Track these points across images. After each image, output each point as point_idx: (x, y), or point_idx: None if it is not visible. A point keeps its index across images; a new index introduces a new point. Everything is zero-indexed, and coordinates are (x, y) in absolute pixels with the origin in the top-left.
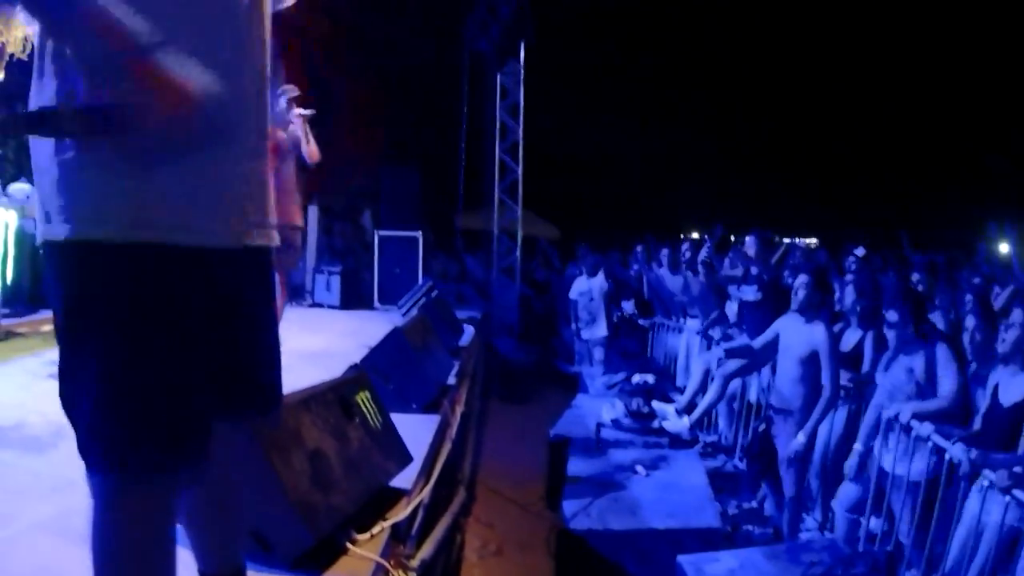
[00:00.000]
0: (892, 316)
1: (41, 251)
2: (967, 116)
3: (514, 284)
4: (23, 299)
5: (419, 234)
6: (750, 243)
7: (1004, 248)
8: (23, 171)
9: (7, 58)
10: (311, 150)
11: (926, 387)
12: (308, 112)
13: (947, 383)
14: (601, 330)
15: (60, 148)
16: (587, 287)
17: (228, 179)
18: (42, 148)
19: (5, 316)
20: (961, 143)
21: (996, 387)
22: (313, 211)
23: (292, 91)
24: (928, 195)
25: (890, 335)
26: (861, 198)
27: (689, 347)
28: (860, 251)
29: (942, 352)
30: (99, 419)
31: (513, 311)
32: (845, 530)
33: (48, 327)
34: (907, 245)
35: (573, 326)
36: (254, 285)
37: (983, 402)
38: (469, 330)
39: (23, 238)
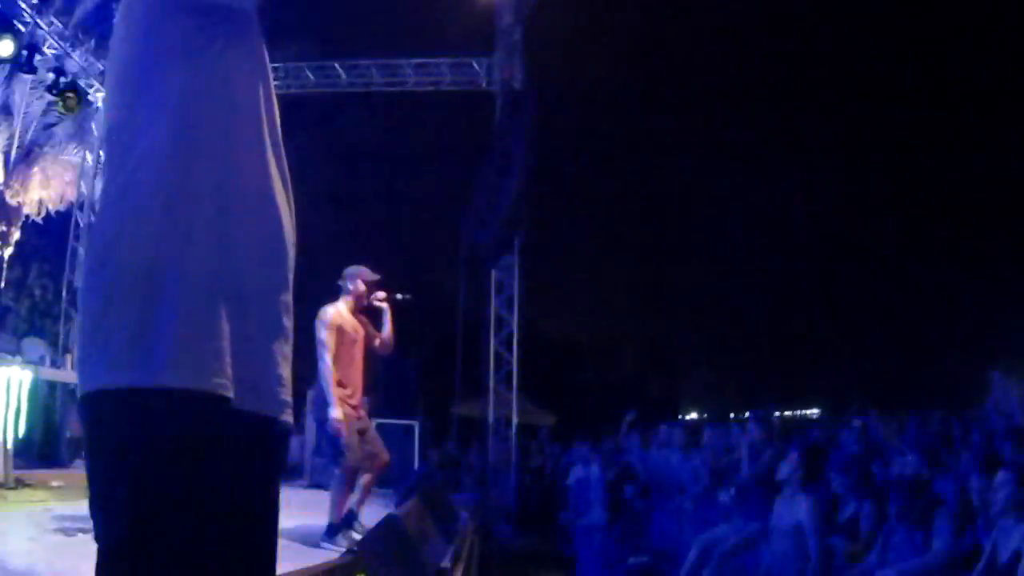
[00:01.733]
0: (900, 486)
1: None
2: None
3: (510, 471)
4: (33, 453)
5: (416, 422)
6: (751, 426)
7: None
8: (33, 328)
9: (23, 218)
10: (387, 338)
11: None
12: (400, 297)
13: (938, 542)
14: (599, 516)
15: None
16: (584, 475)
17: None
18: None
19: (17, 467)
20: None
21: (995, 540)
22: (312, 396)
23: (368, 274)
24: (934, 350)
25: (893, 508)
26: (863, 363)
27: (687, 527)
28: (856, 423)
29: (938, 521)
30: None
31: (510, 497)
32: None
33: (57, 482)
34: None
35: (571, 512)
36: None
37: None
38: (465, 516)
39: (36, 394)
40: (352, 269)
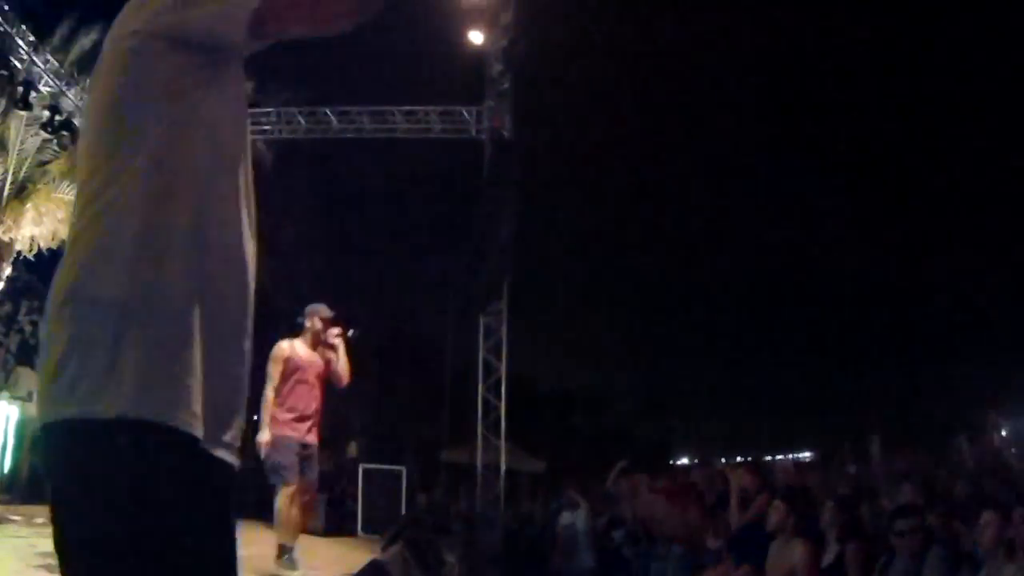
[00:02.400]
0: (900, 525)
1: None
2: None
3: (498, 516)
4: (19, 488)
5: (403, 468)
6: (742, 474)
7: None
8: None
9: (15, 254)
10: (341, 371)
11: None
12: (352, 332)
13: None
14: (586, 562)
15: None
16: (571, 520)
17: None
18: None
19: (2, 503)
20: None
21: None
22: None
23: (325, 312)
24: (928, 392)
25: (897, 543)
26: (856, 406)
27: (676, 572)
28: (851, 469)
29: (934, 554)
30: None
31: (498, 543)
32: None
33: (42, 519)
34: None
35: (559, 558)
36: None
37: None
38: (452, 562)
39: (23, 430)
40: (310, 307)
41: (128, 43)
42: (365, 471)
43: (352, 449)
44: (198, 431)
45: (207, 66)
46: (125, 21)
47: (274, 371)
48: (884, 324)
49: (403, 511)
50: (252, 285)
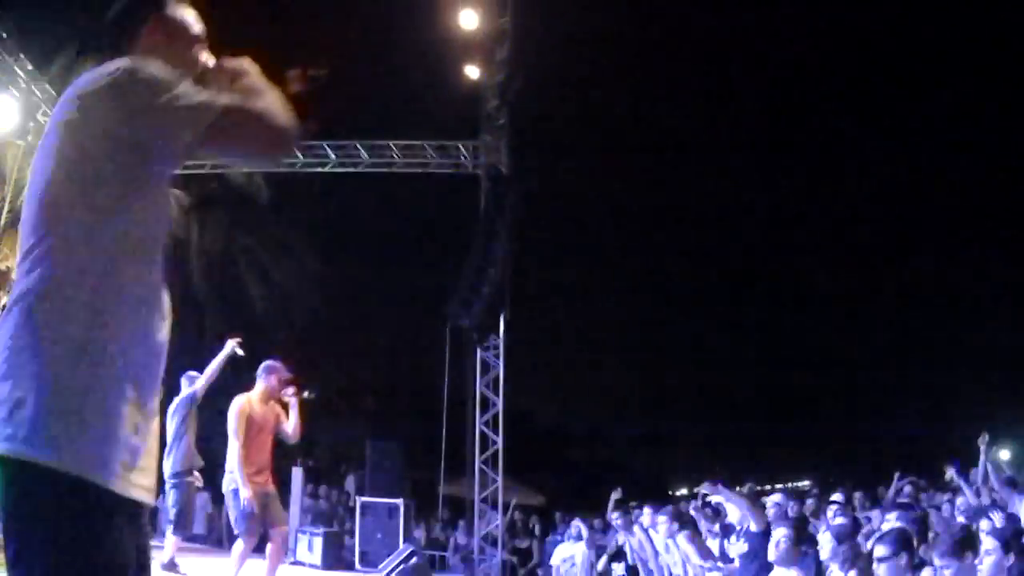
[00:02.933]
0: (882, 550)
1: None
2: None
3: (496, 551)
4: None
5: (401, 502)
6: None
7: (1004, 454)
8: None
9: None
10: (293, 429)
11: None
12: (307, 394)
13: None
14: None
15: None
16: (569, 554)
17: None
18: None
19: None
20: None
21: None
22: (298, 473)
23: (282, 372)
24: (921, 420)
25: (881, 568)
26: (853, 435)
27: None
28: (840, 496)
29: None
30: None
31: None
32: None
33: None
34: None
35: None
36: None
37: None
38: None
39: None
40: (268, 364)
41: (80, 135)
42: (362, 505)
43: (349, 483)
44: (118, 487)
45: (149, 167)
46: (85, 110)
47: (239, 426)
48: (879, 346)
49: (401, 545)
50: (163, 363)
